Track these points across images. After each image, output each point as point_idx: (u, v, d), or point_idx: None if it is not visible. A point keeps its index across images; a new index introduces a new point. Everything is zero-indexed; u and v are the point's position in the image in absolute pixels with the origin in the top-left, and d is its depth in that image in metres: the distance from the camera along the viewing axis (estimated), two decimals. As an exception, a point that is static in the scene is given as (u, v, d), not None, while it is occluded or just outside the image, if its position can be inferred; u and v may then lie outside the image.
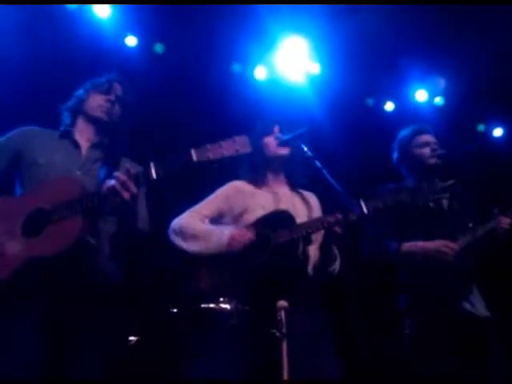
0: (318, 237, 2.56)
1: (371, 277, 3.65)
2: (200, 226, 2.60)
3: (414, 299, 2.94)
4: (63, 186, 2.16)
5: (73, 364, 2.08)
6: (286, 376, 1.95)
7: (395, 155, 3.33)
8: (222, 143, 2.05)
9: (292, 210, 2.61)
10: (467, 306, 2.89)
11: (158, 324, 2.95)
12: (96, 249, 2.20)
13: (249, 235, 2.46)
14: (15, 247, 2.08)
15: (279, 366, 1.94)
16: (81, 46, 4.08)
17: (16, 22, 3.89)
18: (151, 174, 2.04)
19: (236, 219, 2.64)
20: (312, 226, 2.48)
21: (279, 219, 2.53)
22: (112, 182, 2.04)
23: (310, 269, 2.56)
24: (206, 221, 2.64)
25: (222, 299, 2.33)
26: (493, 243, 3.02)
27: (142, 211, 2.38)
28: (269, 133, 2.77)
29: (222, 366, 2.26)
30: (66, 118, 2.49)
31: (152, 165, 2.05)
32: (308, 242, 2.51)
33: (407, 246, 2.97)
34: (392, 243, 3.00)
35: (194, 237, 2.54)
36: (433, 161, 3.14)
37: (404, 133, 3.31)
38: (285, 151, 2.72)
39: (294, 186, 2.81)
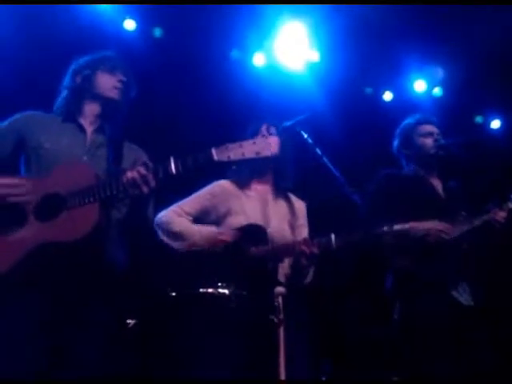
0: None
1: (364, 261, 3.67)
2: (184, 224, 2.65)
3: (403, 282, 2.95)
4: (77, 171, 2.13)
5: (79, 347, 2.06)
6: (282, 362, 1.96)
7: (396, 143, 3.30)
8: (243, 144, 2.01)
9: (270, 218, 2.65)
10: (455, 293, 2.91)
11: (156, 307, 2.97)
12: (106, 235, 2.18)
13: (235, 235, 2.51)
14: (28, 230, 2.04)
15: (276, 350, 1.95)
16: (79, 30, 4.04)
17: (14, 5, 3.85)
18: (170, 169, 2.02)
19: (219, 220, 2.68)
20: (282, 251, 2.51)
21: (253, 234, 2.55)
22: (133, 174, 2.02)
23: (281, 278, 2.53)
24: (190, 219, 2.69)
25: (220, 284, 2.34)
26: (486, 235, 3.03)
27: (153, 199, 2.37)
28: (258, 132, 2.77)
29: (220, 350, 2.26)
30: (68, 99, 2.42)
31: (172, 160, 2.02)
32: (279, 260, 2.53)
33: (400, 225, 2.97)
34: (385, 225, 3.00)
35: (179, 235, 2.61)
36: (434, 151, 3.14)
37: (407, 121, 3.29)
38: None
39: (280, 187, 2.81)
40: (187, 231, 2.62)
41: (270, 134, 2.71)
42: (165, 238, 2.66)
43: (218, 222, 2.67)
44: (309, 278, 2.64)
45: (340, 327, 4.35)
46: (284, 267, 2.59)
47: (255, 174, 2.79)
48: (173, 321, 2.50)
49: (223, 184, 2.76)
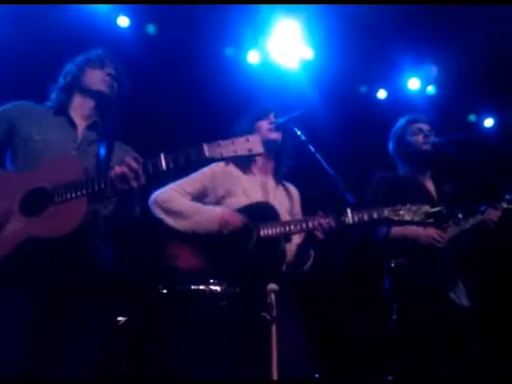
0: (296, 236, 2.57)
1: (360, 262, 3.67)
2: (186, 202, 2.57)
3: (400, 283, 2.96)
4: (64, 165, 2.11)
5: (66, 343, 2.05)
6: (274, 359, 1.95)
7: (391, 146, 3.37)
8: (235, 141, 2.01)
9: (273, 202, 2.61)
10: (452, 295, 2.92)
11: (147, 305, 2.96)
12: (92, 231, 2.17)
13: (239, 220, 2.44)
14: (14, 225, 2.02)
15: (269, 348, 1.95)
16: (72, 26, 4.02)
17: (11, 5, 3.84)
18: (161, 164, 2.01)
19: (219, 201, 2.62)
20: (295, 226, 2.46)
21: (263, 212, 2.52)
22: (122, 168, 2.01)
23: (283, 267, 2.55)
24: (189, 198, 2.61)
25: (212, 281, 2.32)
26: (481, 235, 3.04)
27: (139, 195, 2.36)
28: (263, 118, 2.75)
29: (211, 348, 2.26)
30: (59, 95, 2.42)
31: (162, 156, 2.01)
32: (287, 240, 2.52)
33: (397, 229, 2.99)
34: (381, 227, 3.01)
35: (180, 213, 2.52)
36: (426, 147, 3.18)
37: (399, 123, 3.37)
38: (277, 136, 2.70)
39: (279, 176, 2.79)
40: (189, 209, 2.53)
41: (278, 120, 2.70)
42: (163, 216, 2.53)
43: (216, 203, 2.61)
44: (309, 264, 2.60)
45: (337, 327, 4.36)
46: (290, 247, 2.56)
47: (258, 158, 2.72)
48: (163, 318, 2.49)
49: (223, 165, 2.68)
